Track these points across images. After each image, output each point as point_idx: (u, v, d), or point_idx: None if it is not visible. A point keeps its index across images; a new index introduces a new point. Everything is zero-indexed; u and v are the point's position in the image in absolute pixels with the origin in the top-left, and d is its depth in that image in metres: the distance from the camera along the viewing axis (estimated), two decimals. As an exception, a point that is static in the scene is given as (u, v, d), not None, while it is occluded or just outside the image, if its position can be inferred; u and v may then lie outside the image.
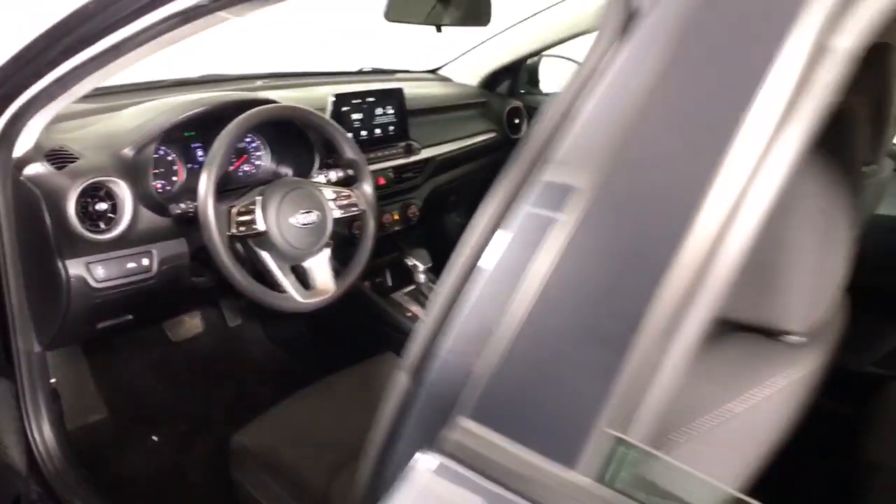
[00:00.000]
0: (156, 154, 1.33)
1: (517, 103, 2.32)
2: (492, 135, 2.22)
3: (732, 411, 0.66)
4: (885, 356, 1.82)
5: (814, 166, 0.67)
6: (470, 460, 0.52)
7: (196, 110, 1.30)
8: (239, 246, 1.29)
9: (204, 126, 1.37)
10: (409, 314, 1.75)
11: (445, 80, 2.40)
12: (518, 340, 0.51)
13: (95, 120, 1.34)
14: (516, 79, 2.40)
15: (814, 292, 0.70)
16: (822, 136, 0.51)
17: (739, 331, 0.73)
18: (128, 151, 1.23)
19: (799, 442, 1.75)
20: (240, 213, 1.23)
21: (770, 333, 0.72)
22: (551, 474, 0.49)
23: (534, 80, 2.45)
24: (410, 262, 1.79)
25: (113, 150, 1.23)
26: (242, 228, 1.23)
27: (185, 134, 1.43)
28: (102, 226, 1.20)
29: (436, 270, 2.04)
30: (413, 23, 1.30)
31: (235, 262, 1.22)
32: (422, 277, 1.79)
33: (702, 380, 0.68)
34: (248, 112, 1.24)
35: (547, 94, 2.45)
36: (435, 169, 1.97)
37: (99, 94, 1.50)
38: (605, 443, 0.47)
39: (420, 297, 1.80)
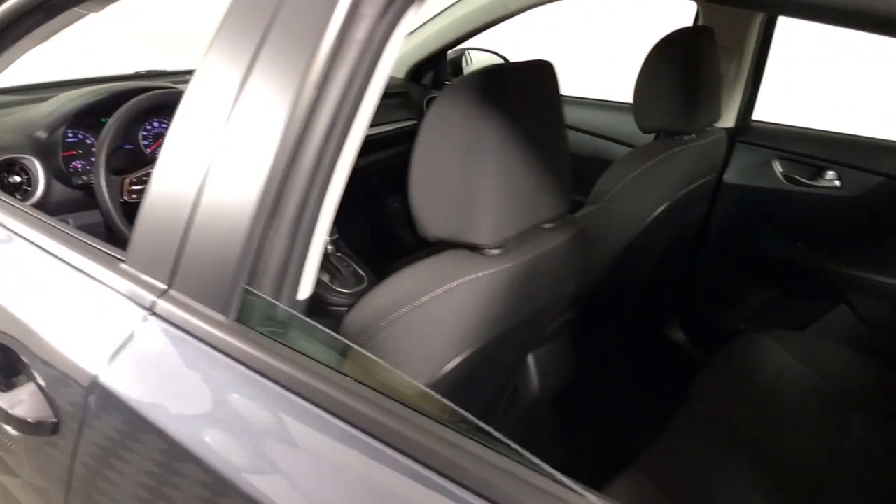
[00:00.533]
0: (71, 137, 1.55)
1: (436, 93, 2.52)
2: (411, 122, 2.42)
3: (426, 301, 0.86)
4: (750, 315, 2.01)
5: (488, 121, 0.86)
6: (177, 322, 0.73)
7: (98, 97, 1.52)
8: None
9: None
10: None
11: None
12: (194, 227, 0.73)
13: (19, 109, 1.57)
14: (440, 70, 2.60)
15: (499, 216, 0.89)
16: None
17: (453, 247, 0.93)
18: (40, 133, 1.46)
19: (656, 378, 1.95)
20: (132, 183, 1.45)
21: (473, 248, 0.92)
22: (215, 321, 0.70)
23: (457, 71, 2.65)
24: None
25: (28, 132, 1.46)
26: (134, 196, 1.45)
27: (102, 120, 1.66)
28: (18, 197, 1.43)
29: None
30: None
31: (130, 227, 1.44)
32: (329, 248, 2.00)
33: (409, 280, 0.89)
34: (138, 97, 1.46)
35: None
36: (350, 153, 2.18)
37: (32, 88, 1.73)
38: (242, 295, 0.69)
39: (328, 265, 2.00)
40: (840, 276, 1.82)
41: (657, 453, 1.32)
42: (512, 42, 2.70)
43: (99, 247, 0.87)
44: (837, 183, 1.79)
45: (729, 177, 1.92)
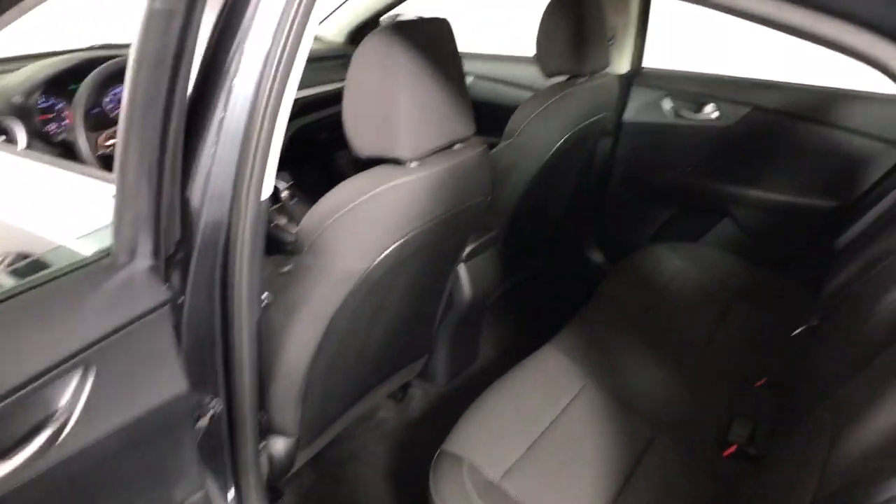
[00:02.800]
0: (44, 102, 1.74)
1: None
2: (351, 81, 2.65)
3: (361, 202, 1.13)
4: (654, 232, 2.33)
5: (399, 58, 1.12)
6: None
7: (68, 66, 1.72)
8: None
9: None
10: (273, 224, 2.20)
11: (316, 39, 2.83)
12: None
13: (-4, 78, 1.76)
14: (376, 34, 2.82)
15: (415, 134, 1.15)
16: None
17: (381, 164, 1.20)
18: (17, 98, 1.65)
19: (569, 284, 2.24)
20: (107, 138, 1.66)
21: (396, 162, 1.18)
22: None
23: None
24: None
25: (6, 97, 1.65)
26: (107, 149, 1.66)
27: (71, 87, 1.85)
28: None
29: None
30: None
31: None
32: (284, 194, 2.24)
33: (347, 189, 1.16)
34: (103, 65, 1.67)
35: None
36: (298, 111, 2.40)
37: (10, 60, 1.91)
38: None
39: (285, 210, 2.25)
40: (723, 193, 2.15)
41: (567, 334, 1.62)
42: (438, 8, 2.94)
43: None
44: (716, 115, 2.11)
45: (627, 115, 2.22)
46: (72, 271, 0.78)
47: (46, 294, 0.78)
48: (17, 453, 0.73)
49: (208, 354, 1.07)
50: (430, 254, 1.36)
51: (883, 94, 1.91)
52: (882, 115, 1.87)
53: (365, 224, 1.14)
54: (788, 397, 1.44)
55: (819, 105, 1.95)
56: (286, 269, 1.21)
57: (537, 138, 1.77)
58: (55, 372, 0.73)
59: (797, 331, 1.61)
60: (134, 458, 0.87)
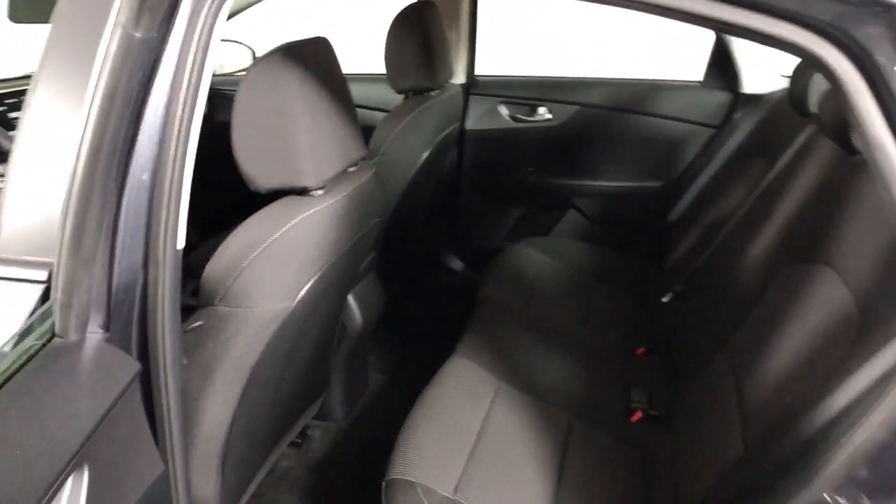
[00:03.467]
0: None
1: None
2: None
3: (276, 238, 1.06)
4: (507, 233, 2.46)
5: (291, 85, 1.07)
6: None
7: None
8: None
9: None
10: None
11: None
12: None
13: None
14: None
15: (317, 161, 1.11)
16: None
17: (283, 195, 1.14)
18: None
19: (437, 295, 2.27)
20: None
21: (301, 192, 1.13)
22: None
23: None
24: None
25: None
26: None
27: None
28: None
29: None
30: (39, 22, 1.52)
31: None
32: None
33: (256, 226, 1.08)
34: None
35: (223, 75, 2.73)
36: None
37: None
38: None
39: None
40: (565, 187, 2.33)
41: (469, 341, 1.65)
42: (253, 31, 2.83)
43: None
44: (549, 116, 2.28)
45: (469, 124, 2.32)
46: (25, 363, 0.64)
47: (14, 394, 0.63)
48: None
49: None
50: (340, 284, 1.32)
51: (687, 82, 2.20)
52: (689, 101, 2.16)
53: (283, 261, 1.08)
54: (676, 358, 1.60)
55: (636, 97, 2.19)
56: (196, 325, 1.09)
57: (402, 155, 1.79)
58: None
59: (665, 298, 1.79)
60: None
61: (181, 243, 0.91)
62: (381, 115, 2.12)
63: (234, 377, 1.12)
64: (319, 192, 1.14)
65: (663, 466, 1.35)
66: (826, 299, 1.09)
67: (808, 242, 1.22)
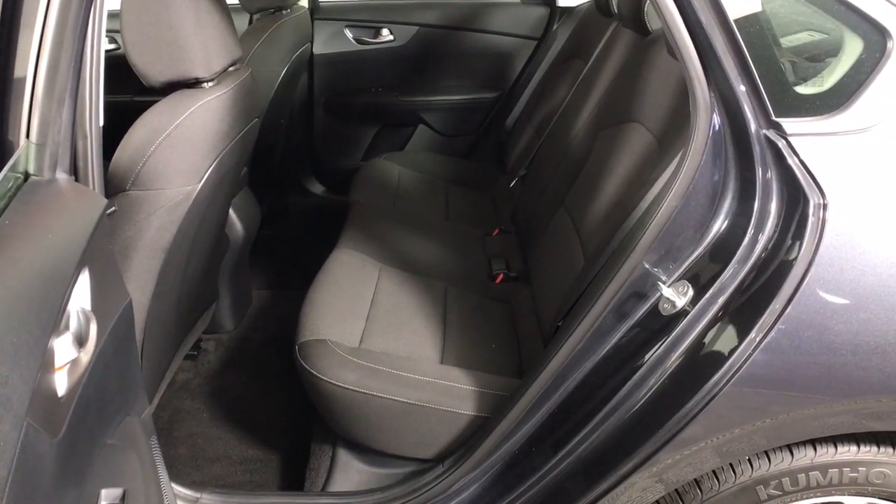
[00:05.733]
0: None
1: None
2: None
3: (175, 126, 1.16)
4: (365, 152, 2.63)
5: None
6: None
7: None
8: None
9: None
10: None
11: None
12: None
13: None
14: None
15: (207, 54, 1.21)
16: None
17: (176, 89, 1.23)
18: None
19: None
20: None
21: (193, 84, 1.23)
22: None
23: None
24: None
25: None
26: None
27: None
28: None
29: None
30: None
31: None
32: None
33: (154, 118, 1.18)
34: None
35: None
36: None
37: None
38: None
39: None
40: (412, 104, 2.54)
41: (348, 236, 1.82)
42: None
43: None
44: (391, 37, 2.45)
45: (317, 48, 2.43)
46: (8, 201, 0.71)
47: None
48: None
49: None
50: (232, 178, 1.43)
51: (511, 0, 2.47)
52: (514, 17, 2.44)
53: (186, 145, 1.18)
54: (526, 226, 1.90)
55: (468, 16, 2.43)
56: (110, 210, 1.17)
57: (263, 71, 1.88)
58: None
59: (512, 183, 2.08)
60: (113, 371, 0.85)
61: (102, 120, 1.01)
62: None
63: (149, 260, 1.21)
64: (210, 83, 1.24)
65: (526, 308, 1.64)
66: (636, 145, 1.40)
67: (620, 108, 1.53)
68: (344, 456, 1.39)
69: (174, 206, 1.20)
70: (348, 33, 2.46)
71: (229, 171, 1.39)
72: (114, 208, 1.18)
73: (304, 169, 2.66)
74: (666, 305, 1.01)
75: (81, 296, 0.73)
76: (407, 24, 2.44)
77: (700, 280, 1.01)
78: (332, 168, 2.65)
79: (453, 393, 1.29)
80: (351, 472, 1.37)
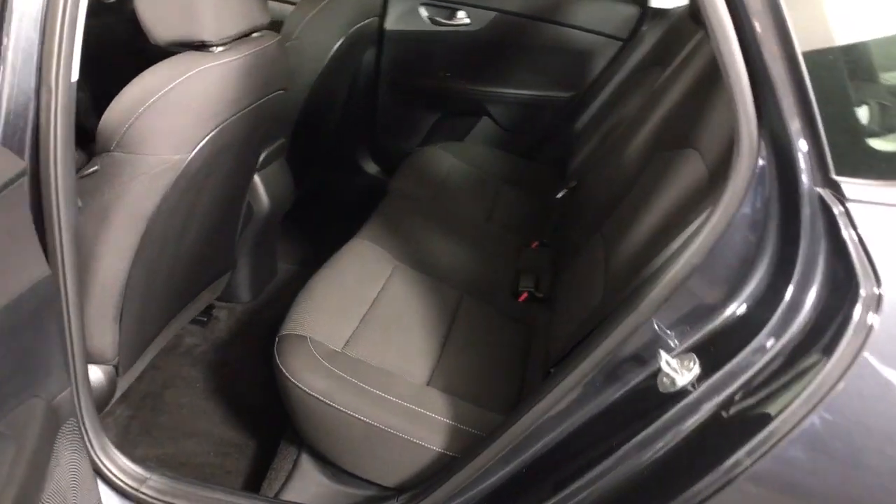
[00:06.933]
0: None
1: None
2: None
3: (170, 88, 1.08)
4: (423, 138, 2.51)
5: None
6: None
7: None
8: None
9: None
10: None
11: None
12: None
13: None
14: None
15: (219, 17, 1.12)
16: None
17: (184, 49, 1.15)
18: None
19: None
20: None
21: (200, 47, 1.14)
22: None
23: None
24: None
25: None
26: None
27: None
28: None
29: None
30: None
31: None
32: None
33: (151, 78, 1.10)
34: None
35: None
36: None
37: None
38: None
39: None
40: (480, 94, 2.38)
41: (372, 225, 1.72)
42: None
43: None
44: (467, 20, 2.31)
45: (388, 24, 2.32)
46: None
47: None
48: None
49: None
50: (239, 149, 1.34)
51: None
52: (601, 13, 2.23)
53: (179, 111, 1.10)
54: (560, 245, 1.72)
55: (552, 7, 2.25)
56: (91, 169, 1.11)
57: (316, 41, 1.79)
58: None
59: (560, 194, 1.91)
60: (7, 349, 0.77)
61: (75, 75, 0.93)
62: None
63: (129, 226, 1.15)
64: (219, 48, 1.15)
65: (542, 338, 1.48)
66: (687, 176, 1.21)
67: (681, 131, 1.33)
68: (306, 464, 1.29)
69: (158, 175, 1.12)
70: (423, 12, 2.33)
71: (235, 144, 1.30)
72: (96, 167, 1.12)
73: (361, 147, 2.57)
74: (665, 380, 0.84)
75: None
76: (486, 7, 2.29)
77: (709, 359, 0.83)
78: (388, 149, 2.55)
79: (425, 423, 1.16)
80: (309, 483, 1.27)
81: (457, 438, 1.14)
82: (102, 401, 1.32)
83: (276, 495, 1.28)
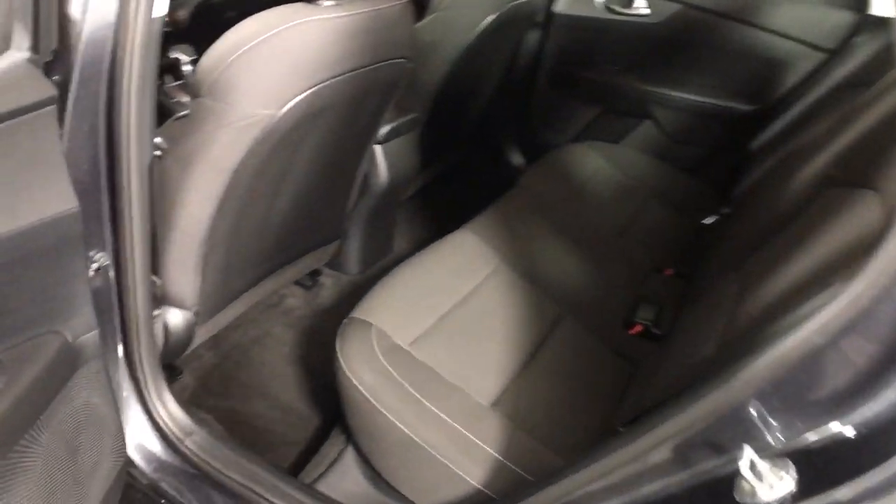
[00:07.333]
0: None
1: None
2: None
3: (267, 37, 1.02)
4: (577, 134, 2.31)
5: None
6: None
7: None
8: None
9: None
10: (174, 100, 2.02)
11: None
12: None
13: None
14: None
15: None
16: None
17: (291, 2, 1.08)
18: None
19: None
20: None
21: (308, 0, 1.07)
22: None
23: None
24: (173, 55, 2.01)
25: None
26: None
27: None
28: None
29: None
30: None
31: None
32: (186, 69, 2.05)
33: (253, 23, 1.04)
34: None
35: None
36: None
37: None
38: None
39: (185, 89, 2.06)
40: (647, 94, 2.13)
41: (484, 218, 1.58)
42: None
43: None
44: (646, 10, 2.06)
45: (559, 6, 2.14)
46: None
47: None
48: None
49: (92, 200, 0.95)
50: (344, 115, 1.27)
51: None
52: (807, 17, 1.88)
53: (271, 63, 1.04)
54: (695, 280, 1.47)
55: (746, 5, 1.94)
56: (183, 113, 1.09)
57: (464, 14, 1.68)
58: None
59: (709, 220, 1.64)
60: (18, 279, 0.76)
61: (159, 10, 0.89)
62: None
63: (212, 177, 1.12)
64: (329, 2, 1.07)
65: (642, 380, 1.27)
66: (858, 223, 0.93)
67: (862, 166, 1.05)
68: (349, 459, 1.20)
69: (245, 128, 1.07)
70: (598, -3, 2.12)
71: (338, 109, 1.22)
72: (186, 112, 1.09)
73: (507, 135, 2.42)
74: (744, 486, 0.63)
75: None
76: (669, -1, 2.03)
77: (813, 474, 0.60)
78: (537, 141, 2.38)
79: (472, 452, 1.01)
80: (346, 480, 1.18)
81: (502, 478, 0.98)
82: (178, 345, 1.32)
83: (314, 483, 1.20)
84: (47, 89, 0.75)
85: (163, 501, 1.13)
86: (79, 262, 0.83)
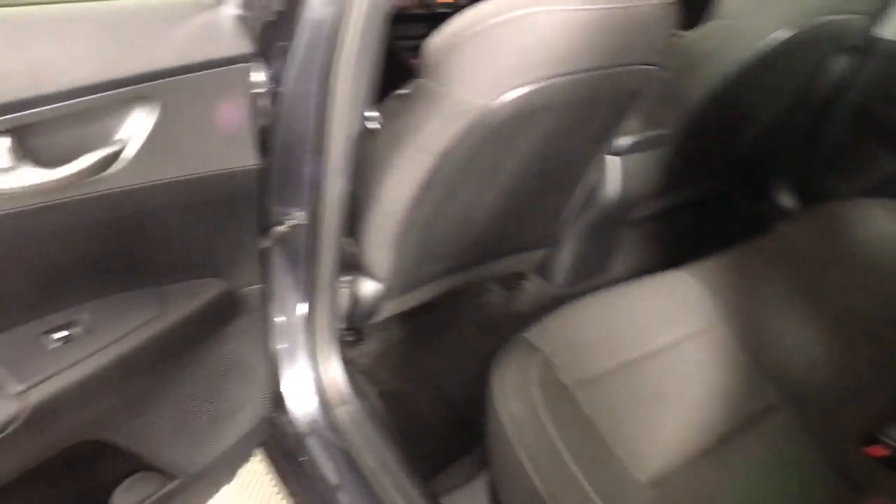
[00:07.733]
0: None
1: None
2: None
3: (494, 22, 0.95)
4: (873, 186, 1.89)
5: None
6: None
7: None
8: None
9: None
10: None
11: None
12: None
13: None
14: None
15: None
16: None
17: None
18: None
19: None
20: None
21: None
22: None
23: None
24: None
25: None
26: None
27: None
28: None
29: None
30: None
31: None
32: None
33: (489, 4, 0.98)
34: None
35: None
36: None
37: None
38: None
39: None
40: None
41: (712, 262, 1.36)
42: None
43: None
44: None
45: (887, 31, 1.74)
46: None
47: (116, 10, 0.71)
48: (63, 166, 0.68)
49: (296, 160, 0.98)
50: (571, 116, 1.15)
51: None
52: None
53: (495, 51, 0.96)
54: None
55: None
56: (404, 91, 1.07)
57: (751, 26, 1.44)
58: (112, 94, 0.66)
59: None
60: (187, 224, 0.81)
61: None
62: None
63: (417, 159, 1.09)
64: (576, -8, 0.96)
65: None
66: None
67: None
68: (479, 485, 1.12)
69: (455, 116, 1.01)
70: (944, 24, 1.69)
71: (564, 110, 1.11)
72: (408, 91, 1.07)
73: (781, 172, 2.08)
74: None
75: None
76: None
77: None
78: (818, 188, 2.01)
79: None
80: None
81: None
82: (364, 313, 1.35)
83: (445, 494, 1.14)
84: (245, 46, 0.76)
85: (302, 459, 1.16)
86: (250, 219, 0.85)
